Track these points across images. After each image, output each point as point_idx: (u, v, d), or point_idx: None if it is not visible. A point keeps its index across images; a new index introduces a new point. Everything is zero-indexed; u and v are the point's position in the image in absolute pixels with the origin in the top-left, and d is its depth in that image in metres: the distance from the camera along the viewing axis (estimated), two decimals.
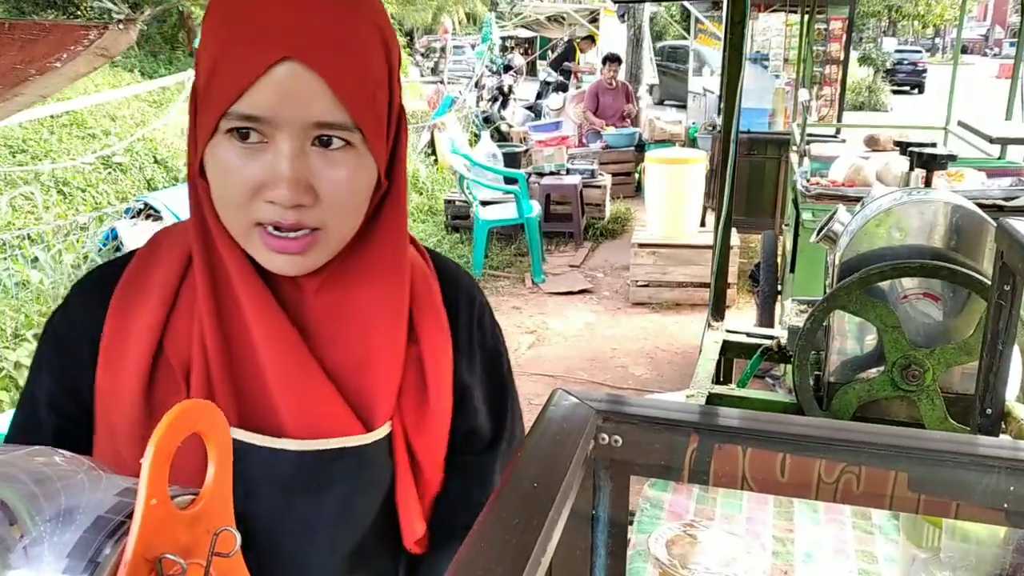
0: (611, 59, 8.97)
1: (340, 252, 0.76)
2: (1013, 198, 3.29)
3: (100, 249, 4.84)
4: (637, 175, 8.38)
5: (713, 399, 1.85)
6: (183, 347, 0.74)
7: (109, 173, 6.65)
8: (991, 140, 4.05)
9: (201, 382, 0.73)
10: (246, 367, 0.75)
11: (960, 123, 4.77)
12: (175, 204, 5.17)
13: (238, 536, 0.48)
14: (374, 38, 0.72)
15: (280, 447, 0.74)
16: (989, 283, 1.26)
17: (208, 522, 0.47)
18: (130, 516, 0.42)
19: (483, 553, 0.45)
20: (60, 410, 0.77)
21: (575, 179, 7.02)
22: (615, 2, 10.48)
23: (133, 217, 5.06)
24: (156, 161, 7.03)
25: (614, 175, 8.01)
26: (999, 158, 4.32)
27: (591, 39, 13.53)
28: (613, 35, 12.85)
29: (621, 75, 9.37)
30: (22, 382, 3.88)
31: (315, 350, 0.76)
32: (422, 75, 14.51)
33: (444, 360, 0.83)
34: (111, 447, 0.75)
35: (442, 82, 12.24)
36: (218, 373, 0.74)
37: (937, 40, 41.69)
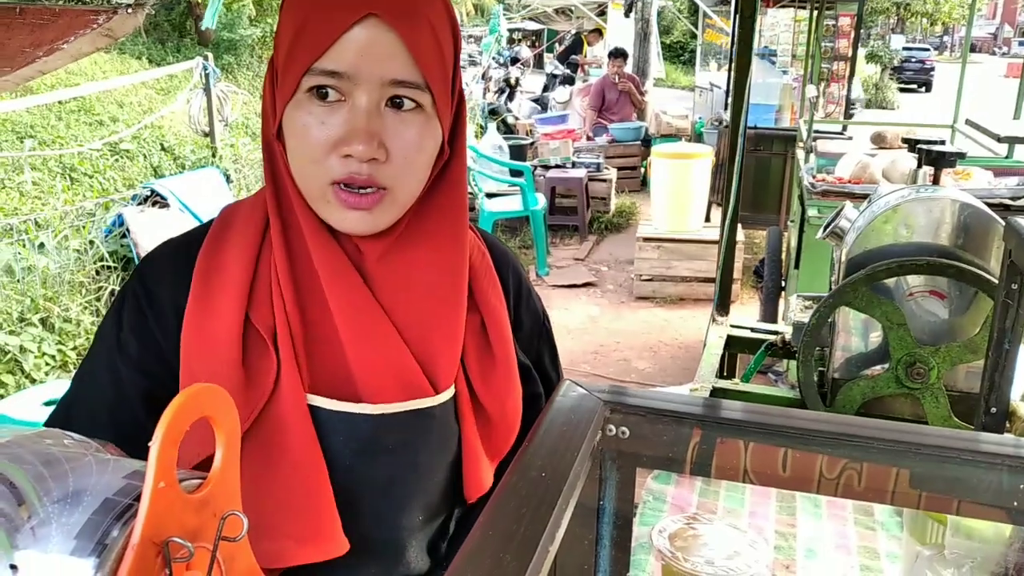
0: (617, 54, 8.92)
1: (402, 218, 0.79)
2: (1020, 197, 3.28)
3: (106, 236, 4.84)
4: (643, 169, 8.36)
5: (717, 393, 1.85)
6: (266, 313, 0.77)
7: (116, 160, 6.65)
8: (999, 139, 4.04)
9: (287, 348, 0.76)
10: (323, 332, 0.78)
11: (968, 121, 4.75)
12: (181, 191, 5.17)
13: (245, 520, 0.48)
14: (444, 9, 0.77)
15: (358, 411, 0.78)
16: (996, 282, 1.26)
17: (215, 506, 0.47)
18: (138, 499, 0.42)
19: (491, 542, 0.45)
20: (147, 372, 0.77)
21: (581, 172, 7.01)
22: None
23: (140, 204, 5.06)
24: (163, 148, 7.04)
25: (620, 169, 8.00)
26: (1007, 157, 4.31)
27: (599, 32, 13.50)
28: (621, 29, 12.81)
29: (628, 68, 9.33)
30: (27, 367, 3.90)
31: (385, 314, 0.79)
32: None
33: (505, 325, 0.87)
34: None
35: None
36: (299, 339, 0.77)
37: (945, 38, 41.52)
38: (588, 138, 8.72)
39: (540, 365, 0.95)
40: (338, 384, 0.78)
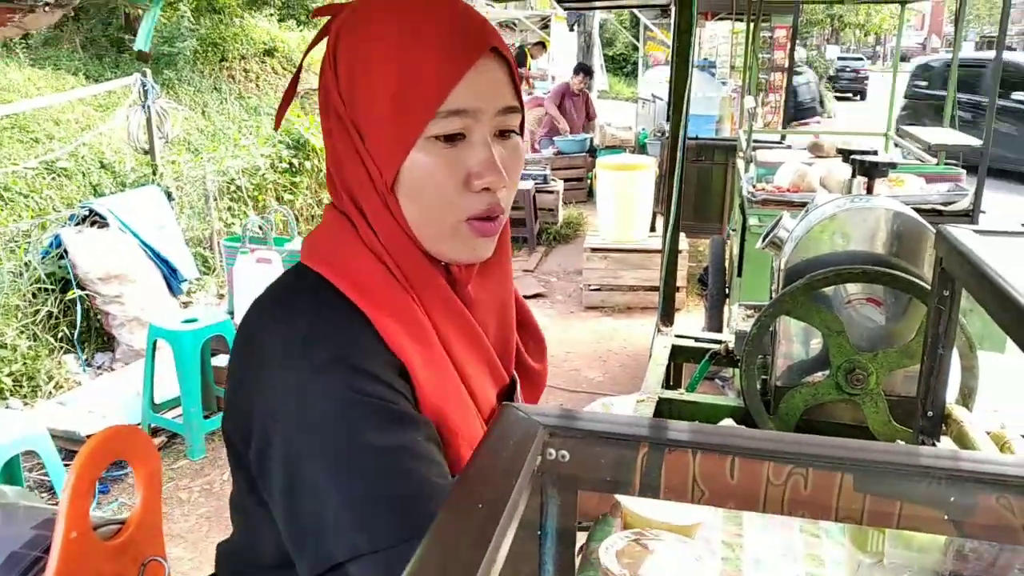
0: (582, 70, 9.10)
1: None
2: (951, 203, 3.39)
3: (43, 257, 4.69)
4: (589, 180, 8.43)
5: (663, 404, 1.86)
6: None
7: (53, 179, 6.46)
8: (928, 148, 4.17)
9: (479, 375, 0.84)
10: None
11: (900, 131, 4.90)
12: (121, 210, 5.03)
13: (167, 566, 0.46)
14: None
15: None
16: (929, 288, 1.29)
17: (136, 551, 0.45)
18: (47, 551, 0.40)
19: (429, 573, 0.44)
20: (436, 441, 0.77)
21: (528, 184, 7.04)
22: (565, 8, 10.53)
23: (78, 224, 4.92)
24: (102, 166, 6.85)
25: (566, 180, 8.05)
26: (937, 164, 4.44)
27: (542, 45, 13.59)
28: (564, 42, 12.93)
29: (566, 78, 9.42)
30: None
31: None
32: None
33: (525, 303, 0.99)
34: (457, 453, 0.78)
35: None
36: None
37: (878, 48, 42.84)
38: (535, 141, 8.78)
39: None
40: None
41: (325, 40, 0.81)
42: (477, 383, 0.82)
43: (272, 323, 0.76)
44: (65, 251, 4.62)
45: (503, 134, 0.79)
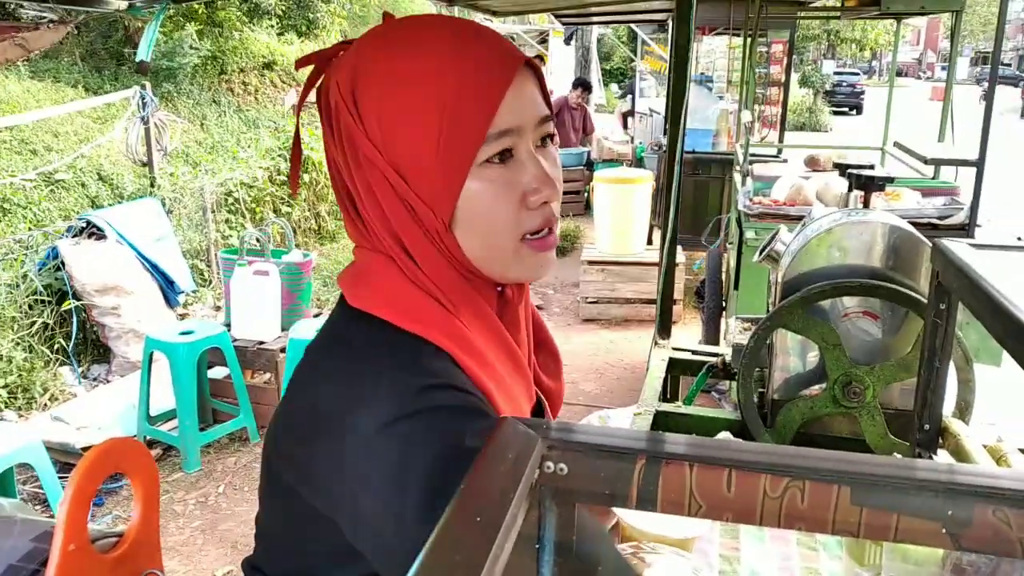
0: (580, 84, 9.15)
1: None
2: (947, 216, 3.40)
3: (40, 269, 4.68)
4: (586, 193, 8.45)
5: (660, 417, 1.86)
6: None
7: (51, 190, 6.46)
8: (925, 161, 4.19)
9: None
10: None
11: (896, 144, 4.92)
12: (119, 222, 5.04)
13: None
14: None
15: None
16: (925, 302, 1.29)
17: (134, 564, 0.45)
18: (45, 564, 0.40)
19: None
20: None
21: None
22: (563, 23, 10.58)
23: (75, 236, 4.92)
24: (101, 178, 6.85)
25: (564, 193, 8.02)
26: (933, 177, 4.46)
27: (540, 59, 13.63)
28: (562, 56, 12.98)
29: (564, 92, 9.46)
30: None
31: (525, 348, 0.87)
32: None
33: (542, 320, 0.98)
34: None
35: None
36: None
37: (874, 63, 43.08)
38: None
39: None
40: None
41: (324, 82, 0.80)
42: (523, 406, 0.82)
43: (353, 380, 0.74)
44: (62, 263, 4.62)
45: (542, 143, 0.79)
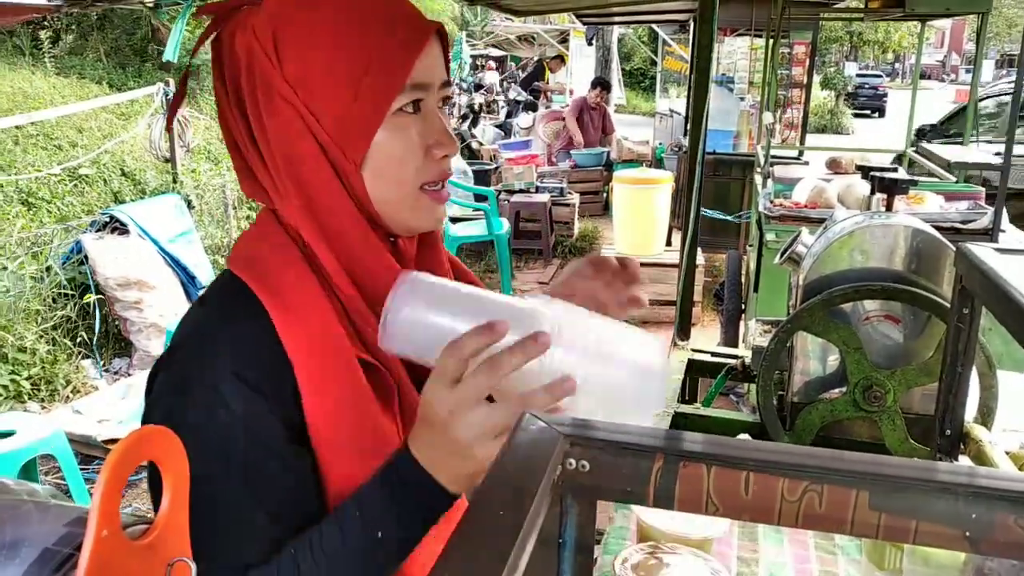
0: (599, 84, 9.13)
1: None
2: (970, 221, 3.37)
3: (64, 263, 4.74)
4: (605, 194, 8.44)
5: (678, 418, 1.86)
6: (365, 345, 0.79)
7: (75, 185, 6.54)
8: (948, 166, 4.15)
9: (398, 369, 0.81)
10: None
11: (918, 148, 4.88)
12: (141, 217, 5.08)
13: (193, 566, 0.46)
14: None
15: None
16: (948, 306, 1.28)
17: (163, 552, 0.46)
18: (79, 548, 0.41)
19: None
20: (295, 459, 0.74)
21: (544, 197, 7.05)
22: (584, 23, 10.58)
23: (99, 230, 4.97)
24: (123, 174, 6.93)
25: (582, 194, 8.06)
26: (956, 182, 4.42)
27: (561, 59, 13.65)
28: (583, 55, 12.97)
29: (584, 92, 9.46)
30: None
31: None
32: None
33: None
34: (344, 471, 0.75)
35: None
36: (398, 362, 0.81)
37: (896, 65, 42.69)
38: (552, 154, 8.82)
39: None
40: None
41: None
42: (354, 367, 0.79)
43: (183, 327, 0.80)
44: (85, 257, 4.67)
45: (442, 107, 0.85)
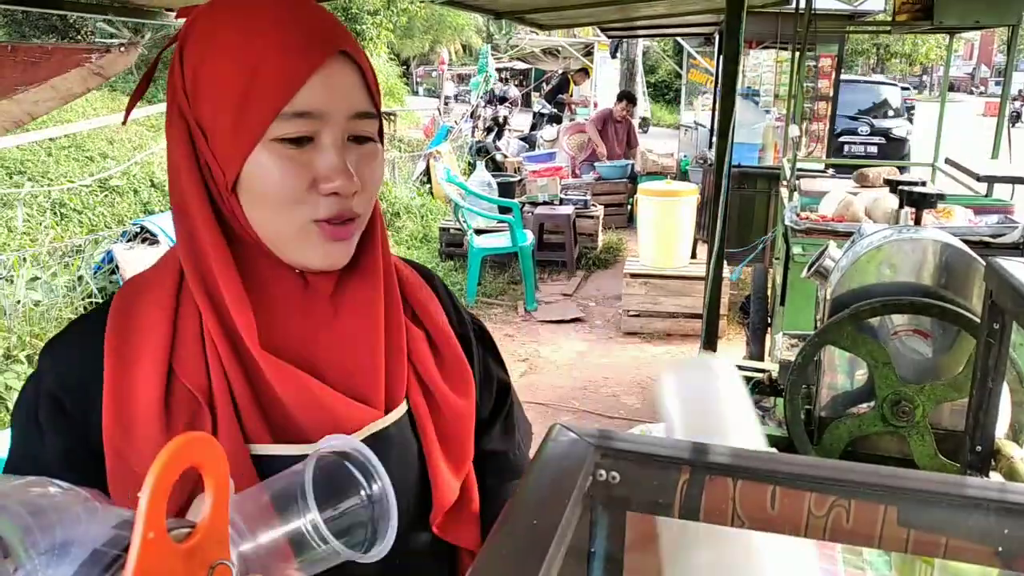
0: (625, 97, 9.16)
1: None
2: (1000, 235, 3.33)
3: (95, 272, 4.82)
4: (629, 206, 8.43)
5: None
6: (196, 370, 0.76)
7: (106, 196, 6.65)
8: (978, 178, 4.11)
9: (226, 403, 0.75)
10: (263, 384, 0.77)
11: (948, 160, 4.83)
12: (171, 228, 5.15)
13: (234, 569, 0.48)
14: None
15: (298, 452, 0.76)
16: (978, 321, 1.27)
17: (205, 555, 0.47)
18: (126, 550, 0.42)
19: None
20: (75, 466, 0.73)
21: (568, 209, 7.06)
22: (608, 36, 10.60)
23: (129, 240, 5.06)
24: (153, 185, 7.04)
25: (607, 206, 8.06)
26: (986, 195, 4.37)
27: (585, 72, 13.68)
28: (607, 68, 13.00)
29: (609, 105, 9.48)
30: (11, 405, 3.85)
31: (335, 346, 0.81)
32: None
33: (449, 332, 0.91)
34: (132, 490, 0.74)
35: (439, 111, 12.33)
36: (242, 392, 0.75)
37: (924, 78, 42.30)
38: (576, 166, 8.83)
39: (484, 364, 0.99)
40: (293, 429, 0.77)
41: None
42: (300, 407, 0.77)
43: None
44: (116, 267, 4.75)
45: (358, 140, 0.78)
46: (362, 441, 0.75)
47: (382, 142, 0.83)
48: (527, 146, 11.22)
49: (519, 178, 8.10)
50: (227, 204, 0.77)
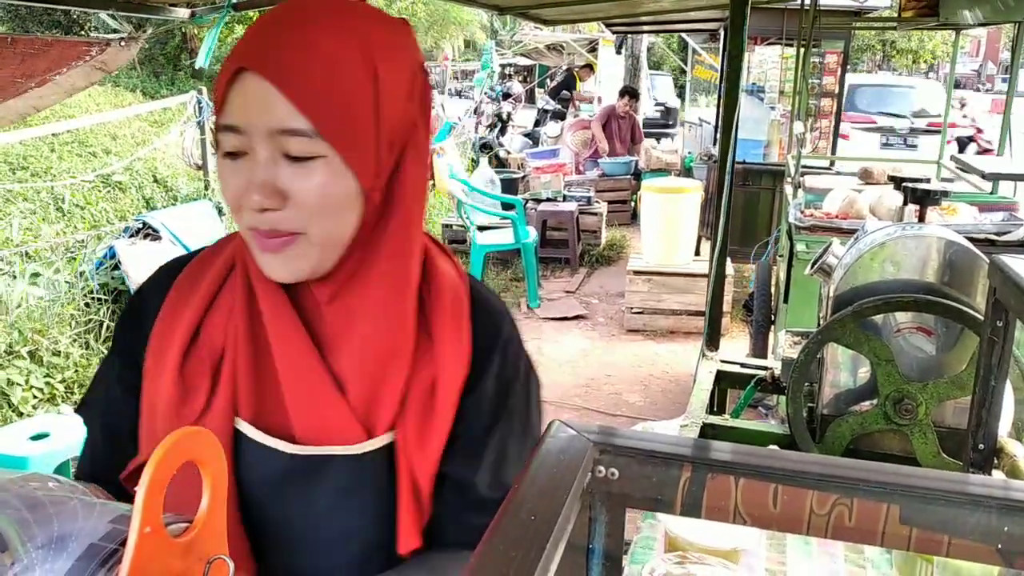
0: (628, 92, 9.13)
1: (347, 261, 0.80)
2: (1005, 233, 3.32)
3: (97, 268, 4.83)
4: (633, 203, 8.42)
5: (707, 429, 1.85)
6: (217, 340, 0.82)
7: (108, 192, 6.66)
8: (983, 175, 4.10)
9: (230, 375, 0.80)
10: (267, 368, 0.80)
11: (953, 158, 4.82)
12: (174, 224, 5.17)
13: (231, 564, 0.48)
14: (352, 59, 0.75)
15: (272, 446, 0.79)
16: (982, 319, 1.27)
17: (201, 550, 0.47)
18: (123, 544, 0.42)
19: None
20: (131, 386, 0.84)
21: (571, 206, 7.05)
22: (613, 32, 10.58)
23: (132, 236, 5.06)
24: (155, 180, 7.05)
25: (610, 203, 8.05)
26: (991, 193, 4.36)
27: (590, 68, 13.65)
28: (612, 65, 12.96)
29: (613, 101, 9.46)
30: (14, 400, 3.86)
31: (328, 358, 0.81)
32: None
33: (454, 391, 0.82)
34: (151, 424, 0.82)
35: (442, 107, 12.33)
36: (244, 369, 0.80)
37: (930, 75, 42.15)
38: (579, 163, 8.82)
39: (480, 436, 0.84)
40: (275, 417, 0.80)
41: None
42: (295, 402, 0.79)
43: None
44: (119, 263, 4.75)
45: (296, 158, 0.74)
46: (322, 459, 0.78)
47: (357, 161, 0.76)
48: (531, 142, 11.20)
49: (522, 175, 8.09)
50: None
